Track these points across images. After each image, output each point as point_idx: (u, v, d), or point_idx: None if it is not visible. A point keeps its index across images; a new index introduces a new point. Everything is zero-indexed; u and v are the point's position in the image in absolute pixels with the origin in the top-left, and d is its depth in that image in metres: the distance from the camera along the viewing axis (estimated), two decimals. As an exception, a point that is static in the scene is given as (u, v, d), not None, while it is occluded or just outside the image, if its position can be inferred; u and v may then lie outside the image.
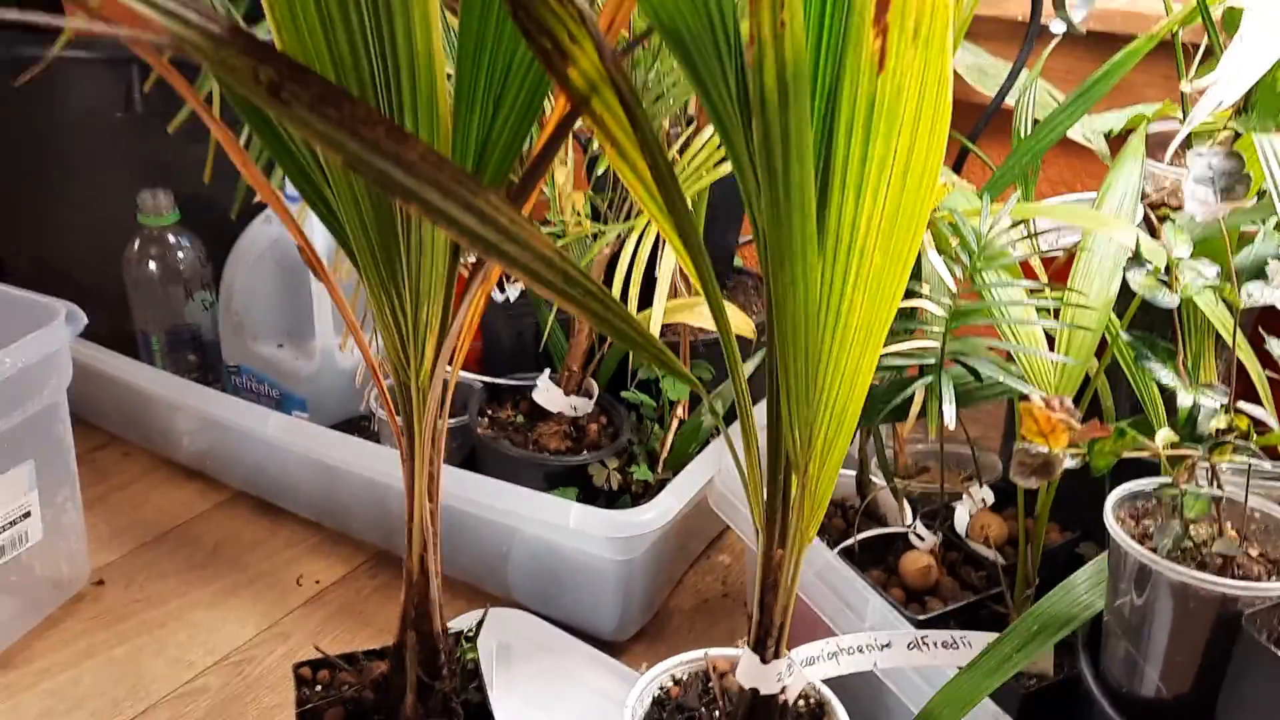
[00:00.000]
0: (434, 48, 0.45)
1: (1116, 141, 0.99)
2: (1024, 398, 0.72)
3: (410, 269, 0.53)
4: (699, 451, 1.01)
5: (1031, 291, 0.73)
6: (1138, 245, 0.60)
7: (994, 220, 0.73)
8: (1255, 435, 0.57)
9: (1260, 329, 0.70)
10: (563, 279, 0.49)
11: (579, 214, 0.86)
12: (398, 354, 0.56)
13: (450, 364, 0.57)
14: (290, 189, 0.96)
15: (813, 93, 0.49)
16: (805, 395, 0.56)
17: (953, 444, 1.00)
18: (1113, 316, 0.75)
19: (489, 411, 1.04)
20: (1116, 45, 1.04)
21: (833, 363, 0.55)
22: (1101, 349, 0.76)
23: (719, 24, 0.47)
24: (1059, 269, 0.88)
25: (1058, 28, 0.84)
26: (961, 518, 0.86)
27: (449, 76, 0.53)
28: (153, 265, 1.15)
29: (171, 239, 1.15)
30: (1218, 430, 0.55)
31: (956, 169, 0.99)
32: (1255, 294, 0.56)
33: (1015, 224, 0.73)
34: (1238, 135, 0.76)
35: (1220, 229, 0.62)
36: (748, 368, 0.99)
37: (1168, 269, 0.61)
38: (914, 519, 0.87)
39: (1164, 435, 0.53)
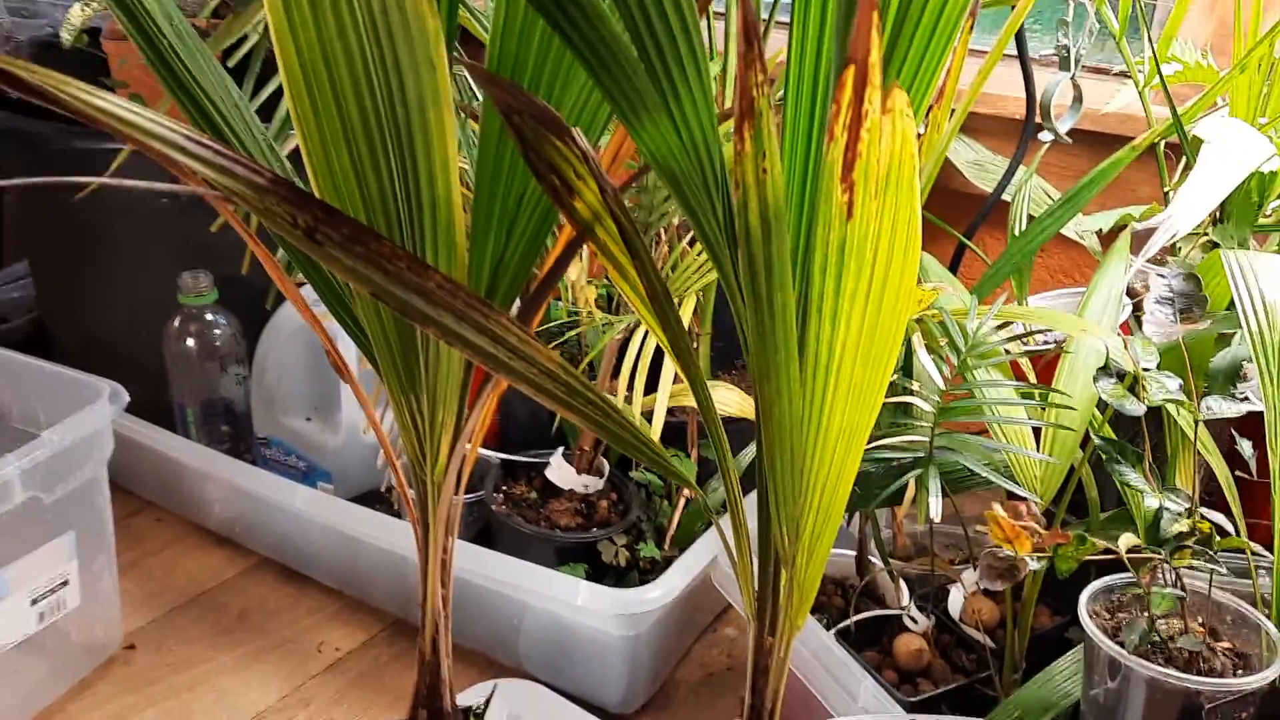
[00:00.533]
0: (453, 189, 0.50)
1: (1110, 236, 1.03)
2: (1011, 496, 0.76)
3: (428, 377, 0.58)
4: (705, 529, 1.04)
5: (1020, 392, 0.77)
6: (1107, 356, 0.64)
7: (980, 322, 0.78)
8: (1218, 539, 0.60)
9: (1234, 430, 0.74)
10: (566, 391, 0.54)
11: (590, 305, 0.91)
12: (415, 452, 0.61)
13: (464, 462, 0.62)
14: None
15: (794, 228, 0.54)
16: (791, 494, 0.61)
17: (951, 524, 1.04)
18: (1096, 413, 0.79)
19: (504, 487, 1.09)
20: (1109, 143, 1.09)
21: (816, 465, 0.59)
22: (1087, 441, 0.79)
23: (707, 165, 0.52)
24: (1050, 360, 0.92)
25: (1046, 137, 0.89)
26: (955, 600, 0.89)
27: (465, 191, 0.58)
28: (191, 342, 1.21)
29: (209, 317, 1.21)
30: (1179, 534, 0.59)
31: (955, 262, 1.04)
32: (1214, 408, 0.60)
33: (1002, 325, 0.78)
34: (1214, 245, 0.80)
35: (1193, 337, 0.66)
36: (749, 453, 1.03)
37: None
38: (909, 600, 0.90)
39: (1125, 539, 0.57)
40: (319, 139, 0.48)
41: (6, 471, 0.88)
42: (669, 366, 0.95)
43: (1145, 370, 0.62)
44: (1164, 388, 0.60)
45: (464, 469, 0.66)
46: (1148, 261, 0.96)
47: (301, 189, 0.46)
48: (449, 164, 0.49)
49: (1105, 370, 0.63)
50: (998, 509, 0.54)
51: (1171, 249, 0.86)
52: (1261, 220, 0.80)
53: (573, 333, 0.94)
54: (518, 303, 0.65)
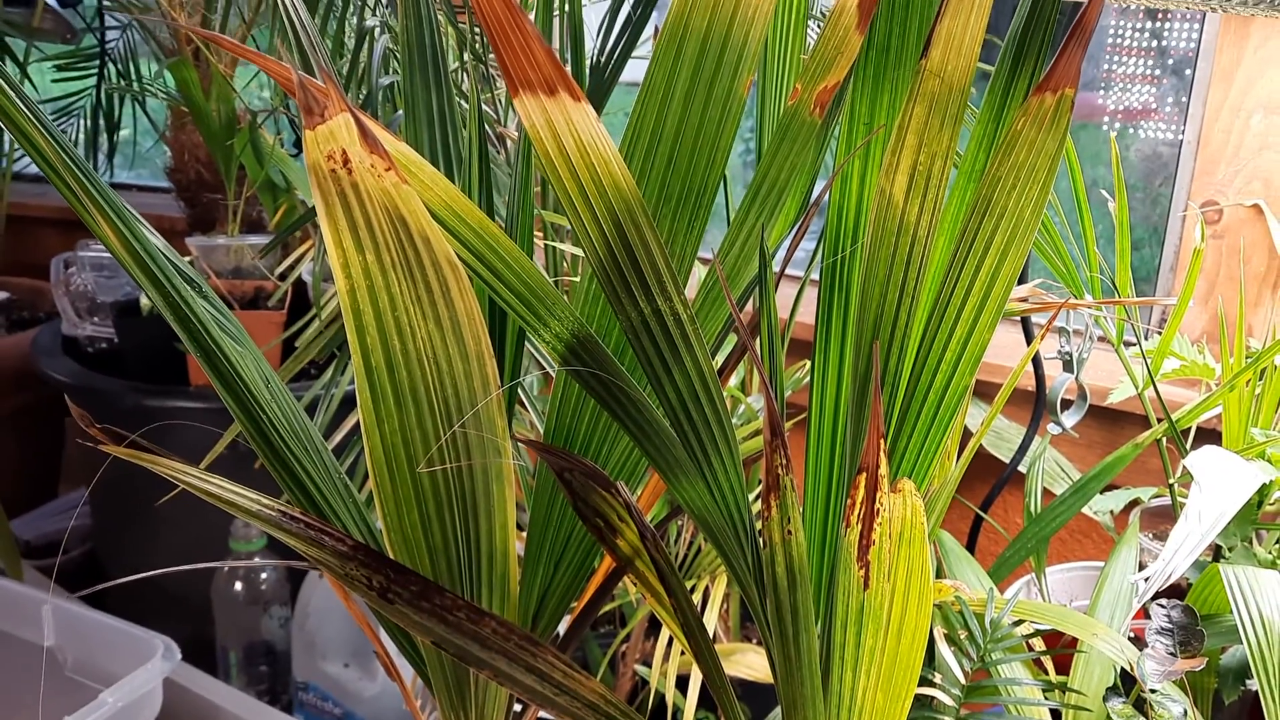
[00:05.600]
0: (510, 544, 0.56)
1: (1123, 512, 1.08)
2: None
3: (477, 697, 0.62)
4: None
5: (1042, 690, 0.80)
6: (1115, 675, 0.67)
7: (1000, 614, 0.81)
8: None
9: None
10: (606, 721, 0.59)
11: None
12: (461, 762, 0.65)
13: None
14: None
15: (817, 578, 0.60)
16: (818, 813, 0.64)
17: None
18: (1113, 706, 0.81)
19: (537, 745, 1.10)
20: (1120, 419, 1.15)
21: (841, 788, 0.62)
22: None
23: (738, 519, 0.58)
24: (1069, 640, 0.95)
25: (1054, 430, 0.95)
26: None
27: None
28: (238, 586, 1.26)
29: (257, 560, 1.27)
30: None
31: (973, 535, 1.08)
32: (1218, 737, 0.63)
33: (1019, 622, 0.81)
34: (1218, 550, 0.85)
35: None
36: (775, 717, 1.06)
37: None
38: None
39: None
40: (394, 501, 0.54)
41: (63, 736, 0.91)
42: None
43: (1152, 692, 0.65)
44: (1169, 715, 0.64)
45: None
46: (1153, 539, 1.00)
47: (377, 551, 0.52)
48: (508, 526, 0.55)
49: (1114, 690, 0.67)
50: None
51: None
52: (1261, 519, 0.85)
53: (611, 605, 0.98)
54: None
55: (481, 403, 0.48)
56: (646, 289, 0.48)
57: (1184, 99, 1.21)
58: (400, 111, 0.88)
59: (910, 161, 0.49)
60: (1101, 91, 1.33)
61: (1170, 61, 1.29)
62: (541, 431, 0.94)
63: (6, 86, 0.50)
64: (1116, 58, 1.32)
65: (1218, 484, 0.66)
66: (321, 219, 0.42)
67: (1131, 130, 1.31)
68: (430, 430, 0.52)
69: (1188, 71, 1.23)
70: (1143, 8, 1.28)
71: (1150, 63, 1.30)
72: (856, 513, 0.49)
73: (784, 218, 0.58)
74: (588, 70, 0.97)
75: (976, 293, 0.51)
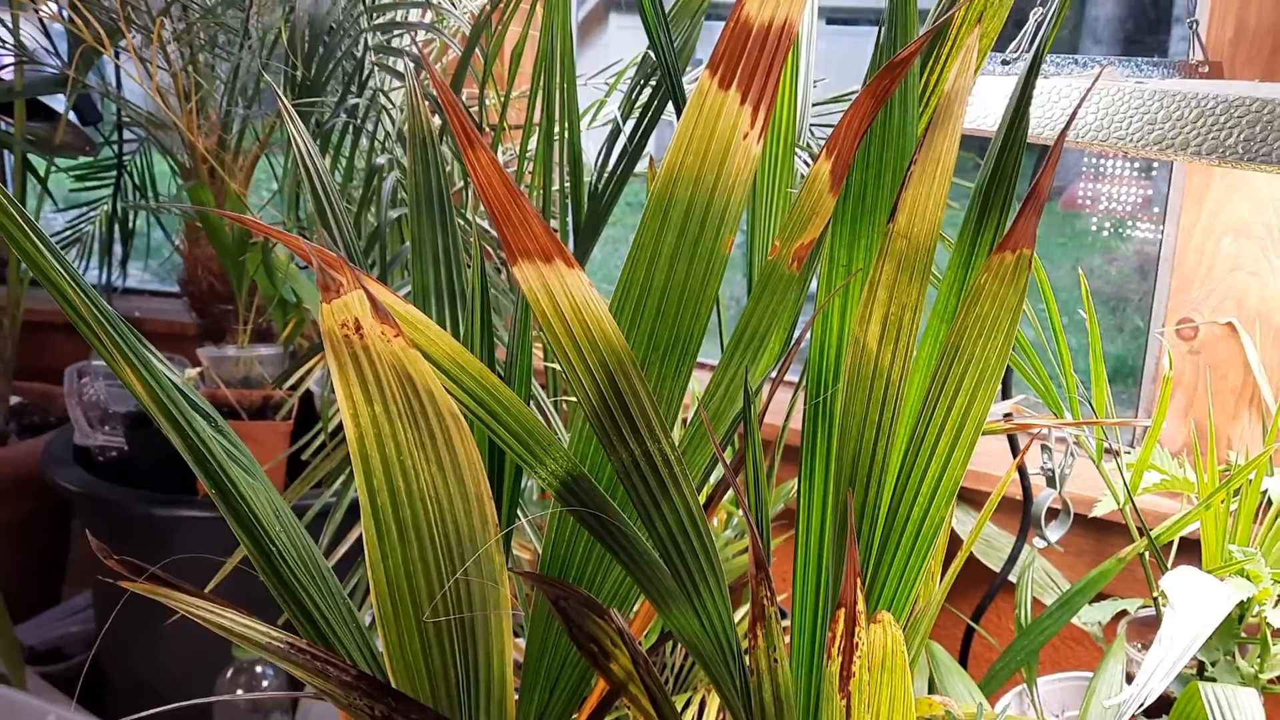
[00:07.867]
0: (506, 671, 0.59)
1: (1111, 623, 1.09)
2: None
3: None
4: None
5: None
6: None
7: (988, 730, 0.83)
8: None
9: None
10: (599, 845, 0.60)
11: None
12: None
13: None
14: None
15: (805, 702, 0.62)
16: None
17: None
18: (1104, 822, 0.82)
19: None
20: (1106, 528, 1.17)
21: None
22: None
23: (726, 647, 0.60)
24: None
25: (1039, 544, 0.98)
26: None
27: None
28: (240, 693, 1.27)
29: (259, 669, 1.28)
30: None
31: (965, 647, 1.10)
32: None
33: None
34: (1202, 664, 0.86)
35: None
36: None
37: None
38: None
39: None
40: (396, 629, 0.57)
41: None
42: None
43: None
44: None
45: None
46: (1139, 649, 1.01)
47: (380, 682, 0.55)
48: (505, 654, 0.58)
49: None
50: None
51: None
52: (1244, 631, 0.87)
53: (610, 717, 0.99)
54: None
55: (483, 547, 0.51)
56: (636, 432, 0.51)
57: (1159, 209, 1.26)
58: (407, 244, 0.93)
59: (882, 313, 0.53)
60: (1089, 187, 1.38)
61: (1153, 169, 1.35)
62: (537, 548, 0.96)
63: (28, 229, 0.53)
64: (1102, 161, 1.38)
65: (1191, 608, 0.68)
66: (334, 375, 0.46)
67: (1119, 226, 1.36)
68: (432, 564, 0.55)
69: (1164, 183, 1.28)
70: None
71: (1133, 167, 1.35)
72: (837, 645, 0.52)
73: (768, 355, 0.62)
74: (586, 196, 1.02)
75: (949, 431, 0.54)
